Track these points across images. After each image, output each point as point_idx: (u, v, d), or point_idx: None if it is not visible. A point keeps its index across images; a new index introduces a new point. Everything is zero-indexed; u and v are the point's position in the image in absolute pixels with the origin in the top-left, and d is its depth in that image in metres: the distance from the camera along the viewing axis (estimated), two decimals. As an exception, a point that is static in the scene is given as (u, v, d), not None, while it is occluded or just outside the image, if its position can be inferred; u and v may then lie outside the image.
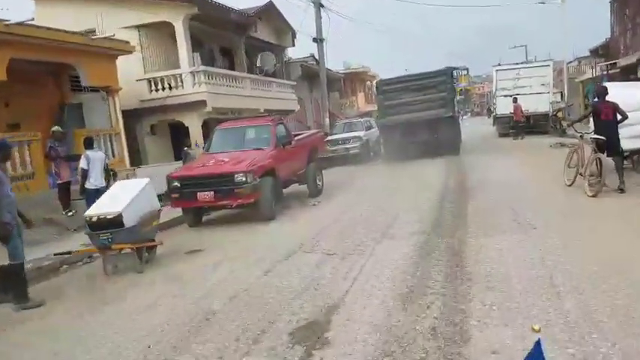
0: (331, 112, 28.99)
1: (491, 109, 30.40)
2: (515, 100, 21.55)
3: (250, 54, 19.20)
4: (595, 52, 28.59)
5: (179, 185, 8.72)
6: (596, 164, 7.86)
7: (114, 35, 12.13)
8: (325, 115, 21.86)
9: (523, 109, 22.04)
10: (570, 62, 32.50)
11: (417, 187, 10.79)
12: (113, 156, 11.94)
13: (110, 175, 8.93)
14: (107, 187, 7.99)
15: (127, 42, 12.78)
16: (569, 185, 8.74)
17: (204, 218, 9.57)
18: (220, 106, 14.54)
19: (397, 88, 16.86)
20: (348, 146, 18.37)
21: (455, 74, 19.59)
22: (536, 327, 3.29)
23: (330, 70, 28.40)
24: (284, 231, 8.02)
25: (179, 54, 14.34)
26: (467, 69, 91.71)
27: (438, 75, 16.88)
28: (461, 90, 76.59)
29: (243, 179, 8.37)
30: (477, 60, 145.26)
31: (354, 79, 36.85)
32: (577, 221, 6.51)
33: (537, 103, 22.41)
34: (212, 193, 8.44)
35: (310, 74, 25.34)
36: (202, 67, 14.32)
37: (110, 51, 12.11)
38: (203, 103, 14.18)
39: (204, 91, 14.17)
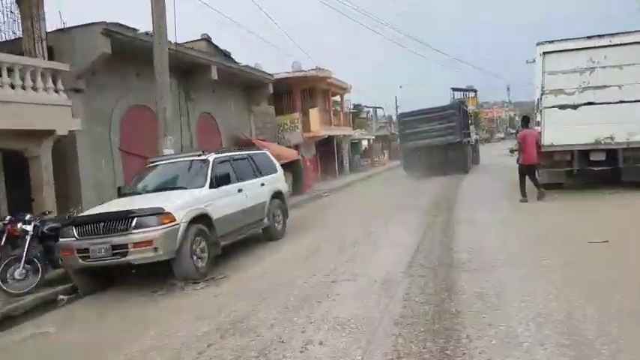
0: (246, 139, 16.80)
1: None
2: (525, 123, 11.67)
3: None
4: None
5: None
6: None
7: None
8: (163, 140, 9.51)
9: (597, 136, 10.32)
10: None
11: None
12: None
13: None
14: None
15: None
16: None
17: None
18: None
19: (415, 119, 20.19)
20: (119, 239, 6.07)
21: (463, 107, 22.73)
22: None
23: (234, 63, 16.40)
24: None
25: None
26: (475, 91, 79.84)
27: (447, 108, 20.56)
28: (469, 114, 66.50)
29: None
30: (485, 84, 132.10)
31: (310, 89, 24.75)
32: None
33: (634, 124, 10.30)
34: None
35: (188, 67, 13.32)
36: None
37: None
38: None
39: None
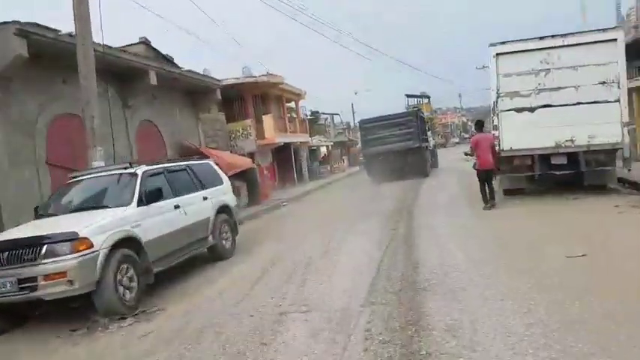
0: (194, 148, 15.76)
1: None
2: (479, 127, 11.42)
3: None
4: None
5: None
6: None
7: None
8: (93, 151, 8.45)
9: (558, 139, 10.18)
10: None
11: None
12: None
13: None
14: None
15: None
16: None
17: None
18: None
19: (375, 126, 20.89)
20: (26, 271, 5.06)
21: (420, 114, 23.40)
22: None
23: (176, 68, 15.39)
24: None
25: None
26: (428, 97, 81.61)
27: (406, 115, 21.95)
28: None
29: None
30: (438, 90, 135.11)
31: (262, 95, 23.86)
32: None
33: (593, 126, 10.06)
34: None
35: (125, 71, 12.21)
36: None
37: None
38: None
39: None
